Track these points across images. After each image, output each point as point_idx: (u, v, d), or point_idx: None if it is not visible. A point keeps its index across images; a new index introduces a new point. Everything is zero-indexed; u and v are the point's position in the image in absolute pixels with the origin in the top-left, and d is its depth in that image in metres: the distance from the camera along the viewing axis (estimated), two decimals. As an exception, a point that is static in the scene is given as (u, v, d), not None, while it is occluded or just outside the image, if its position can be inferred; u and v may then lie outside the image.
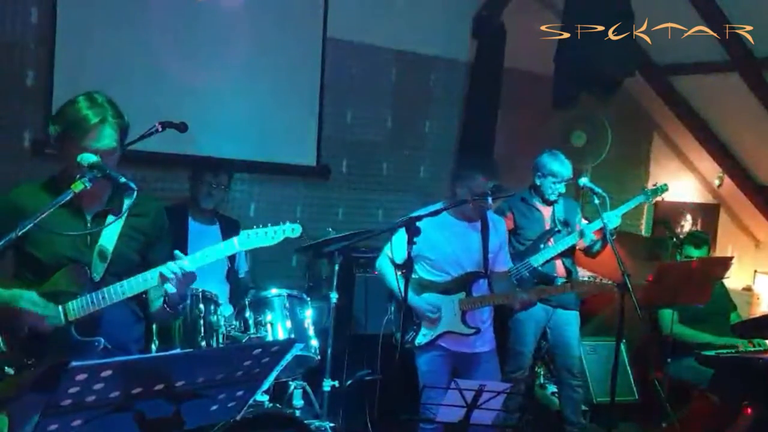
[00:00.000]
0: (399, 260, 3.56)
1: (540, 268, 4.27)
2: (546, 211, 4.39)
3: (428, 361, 3.60)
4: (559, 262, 4.33)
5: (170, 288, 2.25)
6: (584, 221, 4.51)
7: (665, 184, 4.57)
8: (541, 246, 4.31)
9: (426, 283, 3.62)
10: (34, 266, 2.26)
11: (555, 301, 4.32)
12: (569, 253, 4.38)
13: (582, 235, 4.29)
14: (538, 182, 4.37)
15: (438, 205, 3.55)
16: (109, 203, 2.33)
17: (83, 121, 2.22)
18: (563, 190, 4.35)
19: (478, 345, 3.65)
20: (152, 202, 2.44)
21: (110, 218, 2.28)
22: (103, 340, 2.26)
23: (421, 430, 3.57)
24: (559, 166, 4.30)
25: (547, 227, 4.36)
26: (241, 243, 2.36)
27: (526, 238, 4.35)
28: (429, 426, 3.44)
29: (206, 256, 2.32)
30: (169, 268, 2.24)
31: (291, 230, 2.45)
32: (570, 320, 4.40)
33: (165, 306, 2.33)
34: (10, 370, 2.17)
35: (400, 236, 3.43)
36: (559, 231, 4.34)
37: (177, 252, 2.29)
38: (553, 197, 4.34)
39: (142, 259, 2.38)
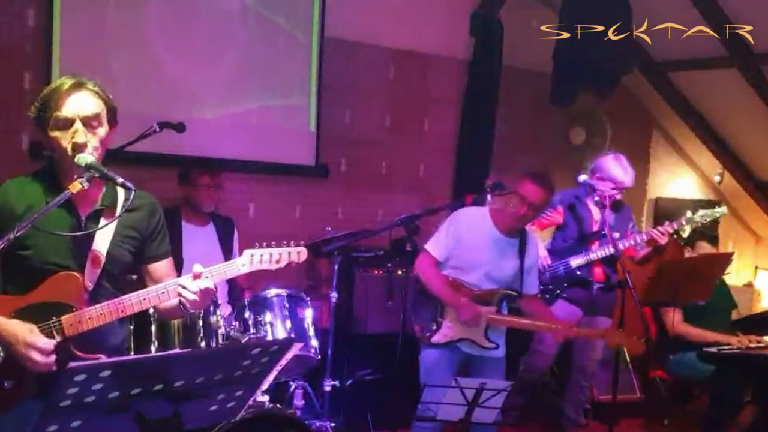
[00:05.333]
0: (440, 256, 3.53)
1: (577, 270, 4.18)
2: (597, 213, 4.28)
3: (437, 356, 3.53)
4: (598, 269, 4.24)
5: (189, 295, 2.16)
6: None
7: (717, 208, 4.47)
8: (583, 249, 4.21)
9: (457, 283, 3.53)
10: (22, 272, 2.11)
11: (588, 305, 4.25)
12: (611, 260, 4.25)
13: (616, 247, 4.06)
14: (595, 183, 4.21)
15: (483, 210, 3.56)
16: (102, 203, 2.20)
17: (56, 90, 2.08)
18: (619, 197, 4.22)
19: (493, 350, 3.57)
20: (145, 196, 2.28)
21: (103, 221, 2.16)
22: (104, 357, 2.14)
23: (416, 428, 3.53)
24: (622, 173, 4.16)
25: (594, 229, 4.25)
26: (245, 265, 2.28)
27: (570, 236, 4.27)
28: (425, 424, 3.41)
29: (212, 278, 2.22)
30: (189, 287, 2.14)
31: (296, 254, 2.37)
32: (600, 325, 4.33)
33: (181, 306, 2.24)
34: (9, 384, 2.06)
35: (442, 234, 3.40)
36: (605, 235, 4.17)
37: (197, 266, 2.19)
38: (606, 201, 4.16)
39: (136, 258, 2.27)
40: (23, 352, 2.02)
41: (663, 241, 4.20)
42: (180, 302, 2.22)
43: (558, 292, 4.18)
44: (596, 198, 4.21)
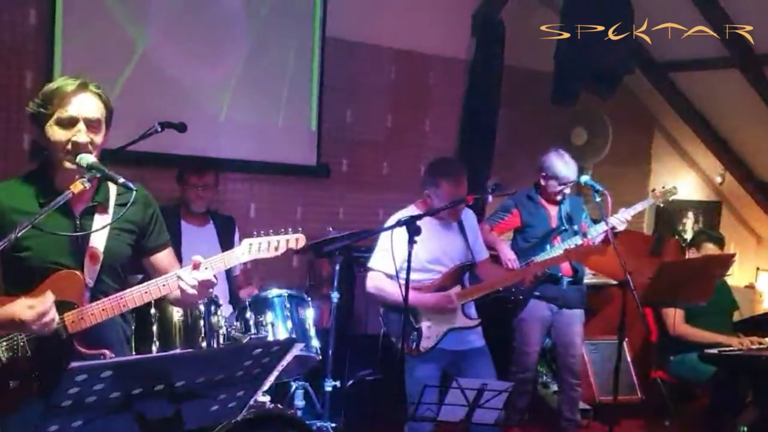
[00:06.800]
0: (393, 269, 3.43)
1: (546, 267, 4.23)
2: (552, 209, 4.37)
3: (423, 368, 3.51)
4: (565, 263, 4.27)
5: (188, 288, 2.16)
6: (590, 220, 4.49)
7: (674, 187, 4.52)
8: (547, 245, 4.28)
9: (417, 285, 3.55)
10: (22, 272, 2.12)
11: (561, 300, 4.32)
12: None
13: (585, 236, 4.26)
14: (542, 182, 4.34)
15: (411, 208, 3.59)
16: (95, 199, 2.20)
17: (60, 89, 2.09)
18: (567, 192, 4.32)
19: (474, 340, 3.63)
20: (138, 189, 2.23)
21: (97, 217, 2.18)
22: (108, 353, 2.16)
23: (410, 429, 3.51)
24: (565, 169, 4.24)
25: (554, 225, 4.33)
26: (243, 254, 2.29)
27: (532, 236, 4.33)
28: (415, 424, 3.40)
29: (211, 268, 2.22)
30: (187, 279, 2.14)
31: (295, 241, 2.37)
32: (574, 319, 4.38)
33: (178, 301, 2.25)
34: (14, 384, 2.06)
35: (396, 242, 3.37)
36: (565, 229, 4.30)
37: (197, 256, 2.18)
38: (558, 198, 4.32)
39: (135, 250, 2.28)
40: (39, 326, 2.00)
41: (622, 228, 4.25)
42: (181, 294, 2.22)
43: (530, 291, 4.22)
44: (549, 196, 4.31)
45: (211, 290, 2.24)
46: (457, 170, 3.59)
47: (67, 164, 2.10)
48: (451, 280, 3.58)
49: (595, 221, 4.41)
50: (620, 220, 4.21)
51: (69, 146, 2.09)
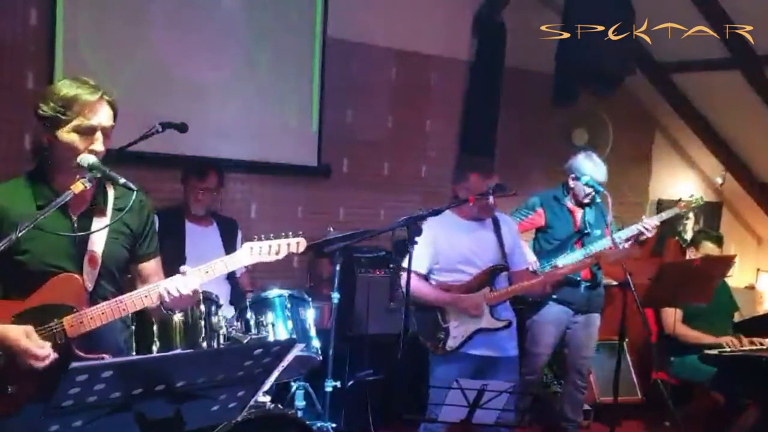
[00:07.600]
0: (424, 269, 3.51)
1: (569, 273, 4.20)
2: (577, 213, 4.34)
3: (445, 369, 3.49)
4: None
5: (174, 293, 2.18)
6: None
7: (701, 197, 4.56)
8: (569, 248, 4.27)
9: (446, 286, 3.55)
10: (21, 276, 2.11)
11: (578, 304, 4.30)
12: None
13: (610, 242, 4.20)
14: (572, 184, 4.29)
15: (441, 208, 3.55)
16: (94, 201, 2.21)
17: (81, 97, 2.10)
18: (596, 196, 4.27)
19: (508, 347, 3.59)
20: (136, 194, 2.24)
21: (95, 220, 2.19)
22: (107, 357, 2.15)
23: (423, 430, 3.53)
24: (594, 170, 4.21)
25: (577, 229, 4.31)
26: (245, 258, 2.32)
27: (554, 238, 4.31)
28: (430, 425, 3.40)
29: (212, 272, 2.26)
30: (169, 289, 2.16)
31: (296, 245, 2.41)
32: (590, 323, 4.37)
33: (161, 307, 2.25)
34: (12, 388, 2.06)
35: (418, 248, 3.36)
36: (588, 234, 4.27)
37: (183, 267, 2.20)
38: (586, 200, 4.26)
39: (130, 253, 2.29)
40: (23, 360, 2.02)
41: (650, 235, 4.26)
42: (161, 303, 2.24)
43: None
44: (577, 197, 4.28)
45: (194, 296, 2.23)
46: (487, 165, 3.60)
47: (73, 167, 2.11)
48: (478, 282, 3.53)
49: (617, 225, 4.39)
50: (647, 227, 4.21)
51: (86, 154, 2.11)
